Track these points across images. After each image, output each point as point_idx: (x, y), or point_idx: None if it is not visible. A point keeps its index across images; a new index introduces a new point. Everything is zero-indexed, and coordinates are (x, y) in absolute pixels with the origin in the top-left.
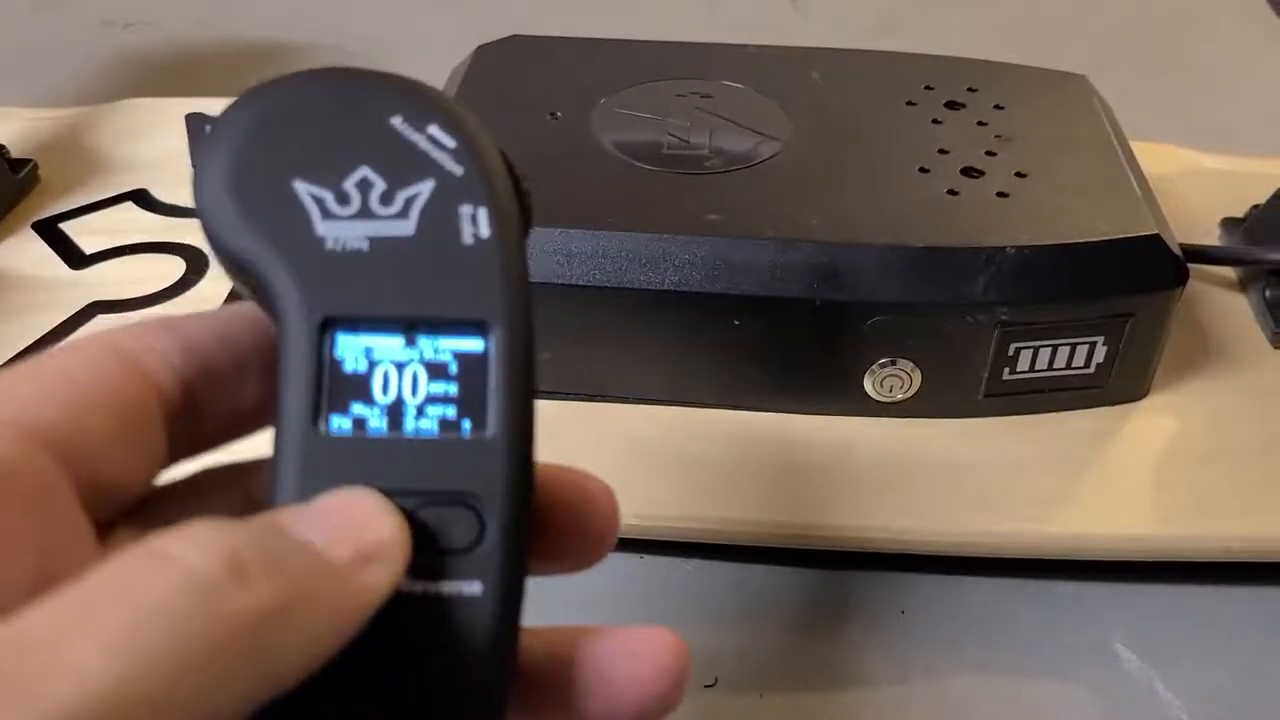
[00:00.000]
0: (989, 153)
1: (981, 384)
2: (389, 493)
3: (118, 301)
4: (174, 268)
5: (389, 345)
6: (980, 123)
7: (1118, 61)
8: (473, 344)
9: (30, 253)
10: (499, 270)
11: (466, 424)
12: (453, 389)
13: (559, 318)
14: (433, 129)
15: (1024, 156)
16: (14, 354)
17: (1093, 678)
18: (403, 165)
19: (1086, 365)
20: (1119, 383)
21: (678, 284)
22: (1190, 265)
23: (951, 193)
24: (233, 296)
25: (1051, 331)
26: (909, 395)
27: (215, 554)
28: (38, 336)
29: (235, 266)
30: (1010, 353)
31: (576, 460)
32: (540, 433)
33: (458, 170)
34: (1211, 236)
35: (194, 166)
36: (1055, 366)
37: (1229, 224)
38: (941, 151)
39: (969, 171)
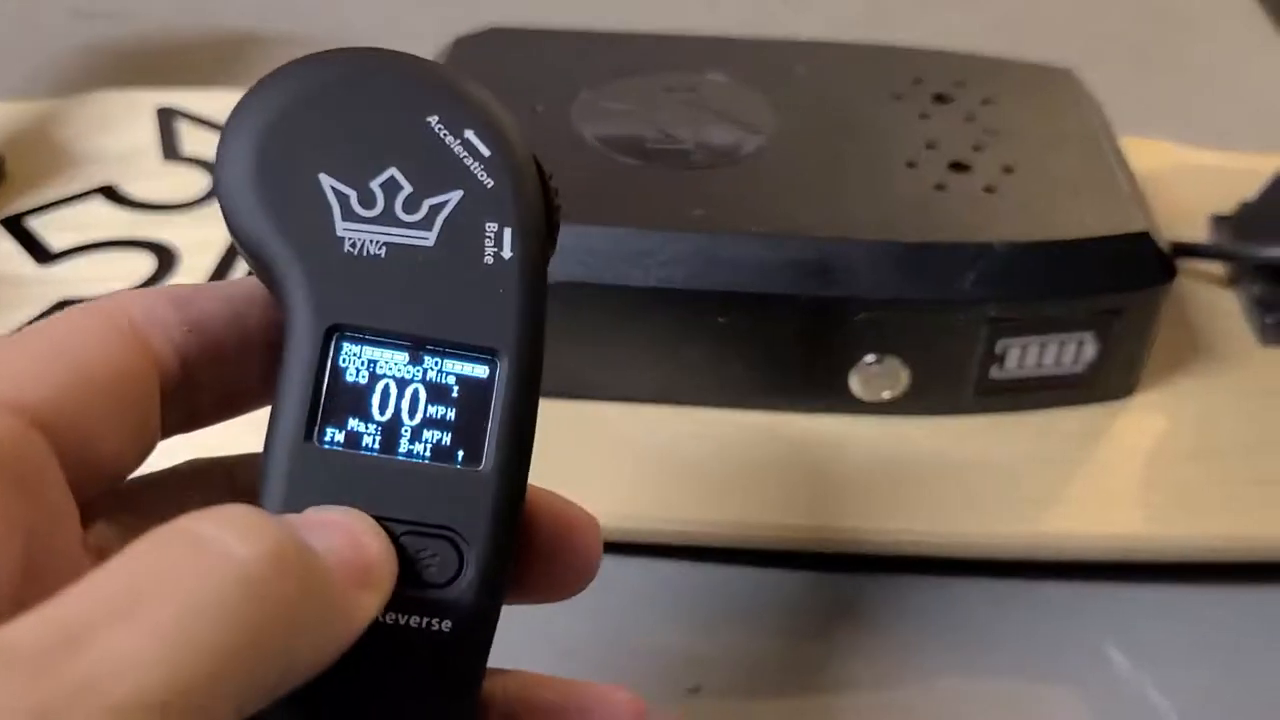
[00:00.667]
0: (976, 147)
1: (970, 381)
2: (375, 517)
3: (87, 299)
4: (144, 264)
5: (393, 361)
6: (968, 117)
7: (1105, 56)
8: (479, 371)
9: None
10: (516, 296)
11: (461, 455)
12: (452, 416)
13: None
14: (469, 134)
15: (1012, 151)
16: None
17: (1084, 679)
18: (433, 170)
19: (1075, 362)
20: (1107, 380)
21: (662, 280)
22: (1178, 261)
23: (939, 187)
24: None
25: (1040, 328)
26: (897, 393)
27: (262, 543)
28: (4, 334)
29: (250, 253)
30: (998, 350)
31: (558, 461)
32: None
33: (489, 182)
34: (1200, 232)
35: (219, 144)
36: (1044, 363)
37: (1217, 220)
38: (929, 146)
39: (957, 166)
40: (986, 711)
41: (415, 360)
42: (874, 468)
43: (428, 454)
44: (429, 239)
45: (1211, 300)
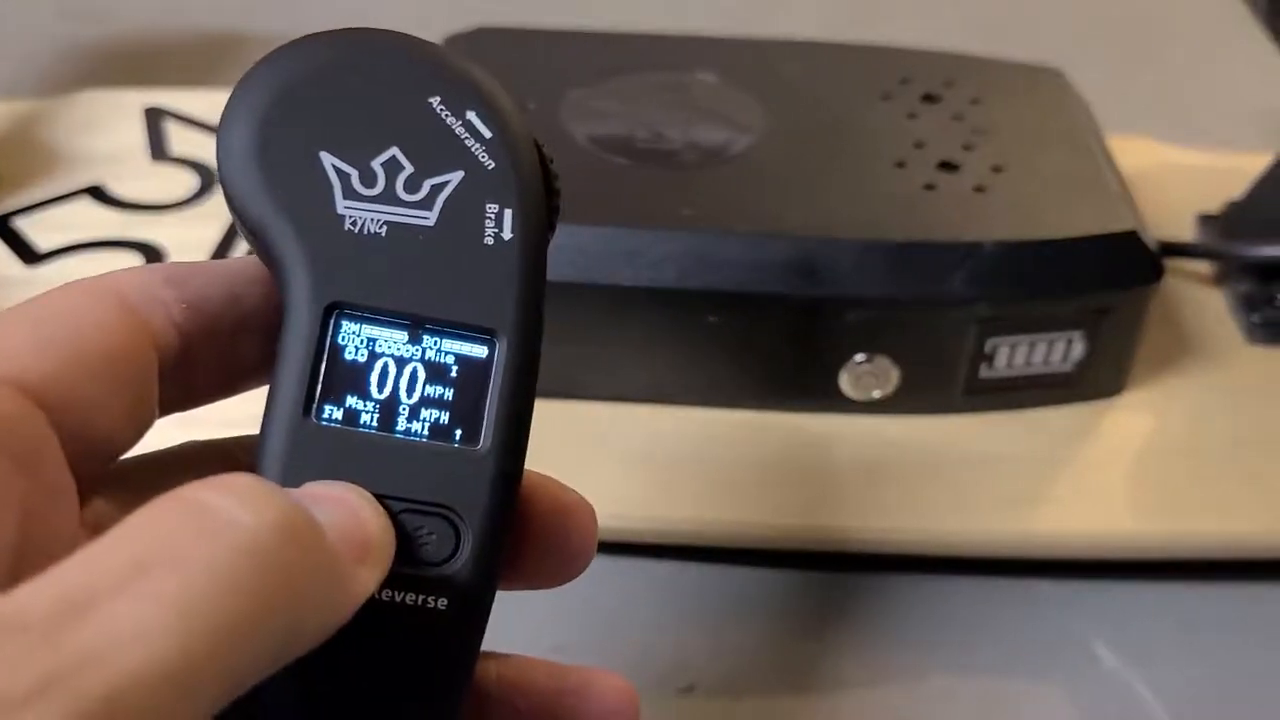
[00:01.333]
0: (965, 147)
1: (960, 380)
2: (373, 494)
3: None
4: (131, 263)
5: (392, 339)
6: (957, 116)
7: (1094, 56)
8: (477, 351)
9: None
10: (515, 278)
11: (459, 433)
12: (450, 395)
13: None
14: (471, 115)
15: (1001, 150)
16: None
17: (1072, 676)
18: (434, 150)
19: (1064, 361)
20: (1096, 378)
21: (651, 280)
22: (1166, 260)
23: (928, 187)
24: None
25: (1028, 327)
26: (887, 392)
27: (268, 512)
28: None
29: (250, 231)
30: (987, 348)
31: (547, 460)
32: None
33: (489, 163)
34: (1187, 231)
35: (221, 121)
36: (1033, 362)
37: (1204, 219)
38: (918, 145)
39: (945, 165)
40: (976, 709)
41: (414, 339)
42: (864, 466)
43: (426, 432)
44: (429, 219)
45: (1199, 299)
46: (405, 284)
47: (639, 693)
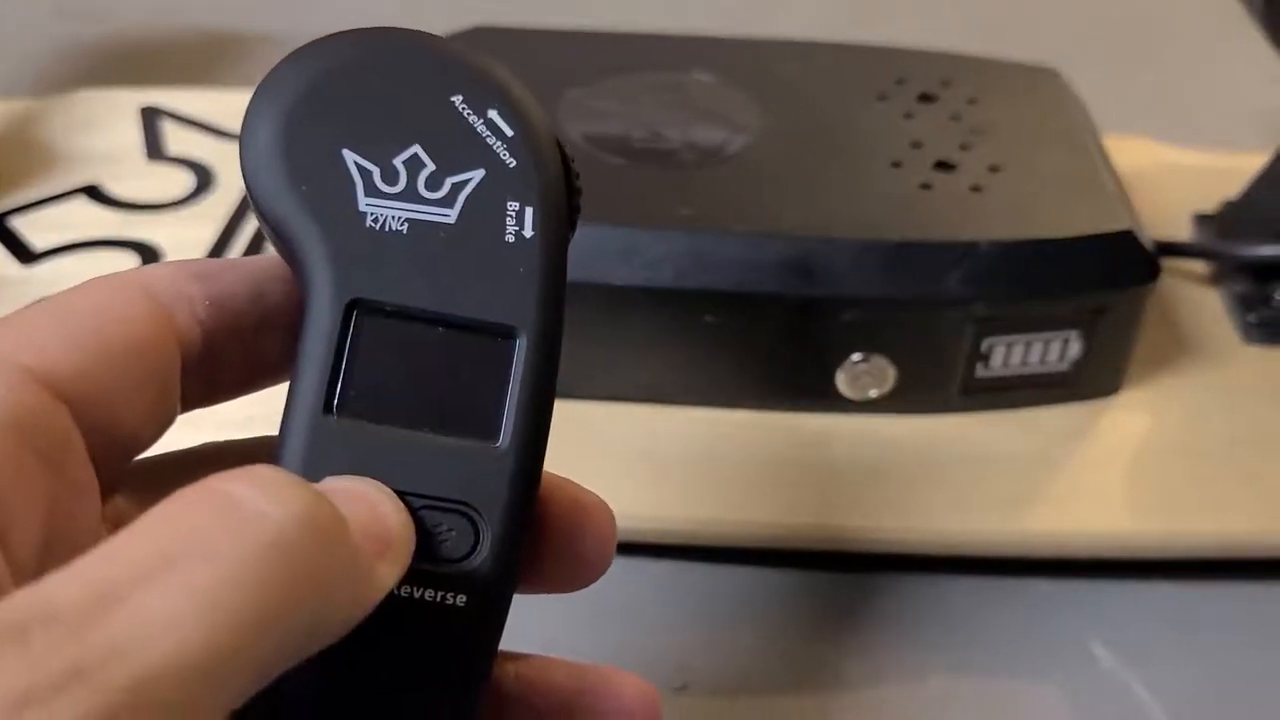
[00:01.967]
0: (962, 146)
1: (956, 380)
2: (393, 490)
3: None
4: (128, 264)
5: (413, 337)
6: (953, 116)
7: (1090, 55)
8: (498, 348)
9: None
10: (537, 275)
11: (479, 430)
12: (471, 392)
13: None
14: (493, 113)
15: (997, 150)
16: None
17: (1069, 676)
18: (456, 148)
19: (1060, 360)
20: (1093, 378)
21: (648, 279)
22: (1162, 260)
23: (925, 187)
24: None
25: (1025, 326)
26: (884, 392)
27: (294, 505)
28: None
29: (272, 228)
30: (984, 348)
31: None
32: None
33: (511, 162)
34: (1183, 231)
35: (244, 120)
36: (1029, 361)
37: (1201, 219)
38: (914, 145)
39: (942, 165)
40: (973, 708)
41: (434, 336)
42: (860, 466)
43: (446, 429)
44: (451, 216)
45: (1195, 298)
46: (426, 281)
47: None
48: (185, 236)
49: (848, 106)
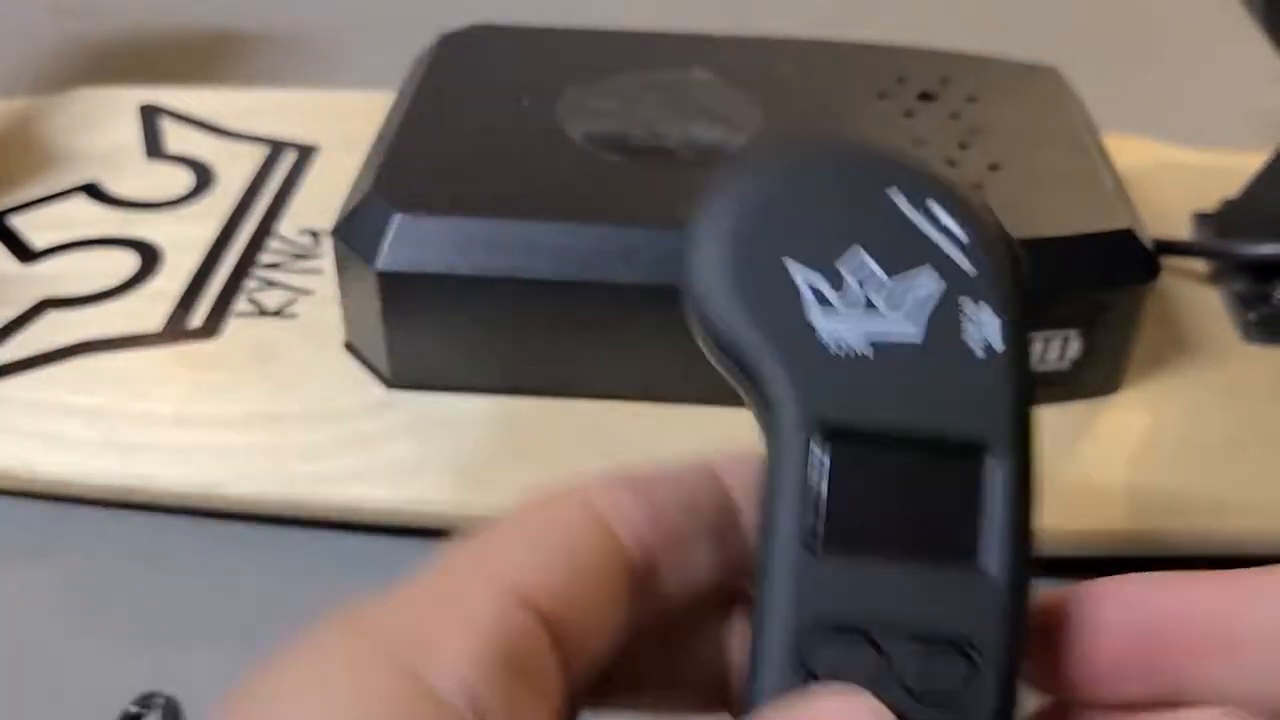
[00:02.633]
0: (962, 145)
1: None
2: (882, 627)
3: (69, 298)
4: (127, 262)
5: (887, 461)
6: (953, 115)
7: (1090, 54)
8: (973, 468)
9: None
10: (1006, 384)
11: (962, 558)
12: (951, 518)
13: (525, 312)
14: (934, 207)
15: (997, 149)
16: None
17: None
18: (904, 254)
19: (1060, 359)
20: (1092, 376)
21: (646, 278)
22: (1162, 259)
23: None
24: (189, 292)
25: None
26: None
27: None
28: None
29: (727, 359)
30: None
31: (543, 459)
32: (506, 431)
33: (971, 270)
34: (1183, 230)
35: (688, 249)
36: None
37: (1200, 217)
38: (914, 144)
39: (942, 164)
40: None
41: (909, 459)
42: None
43: (930, 559)
44: (916, 335)
45: (1195, 297)
46: (898, 405)
47: None
48: (184, 235)
49: (847, 105)
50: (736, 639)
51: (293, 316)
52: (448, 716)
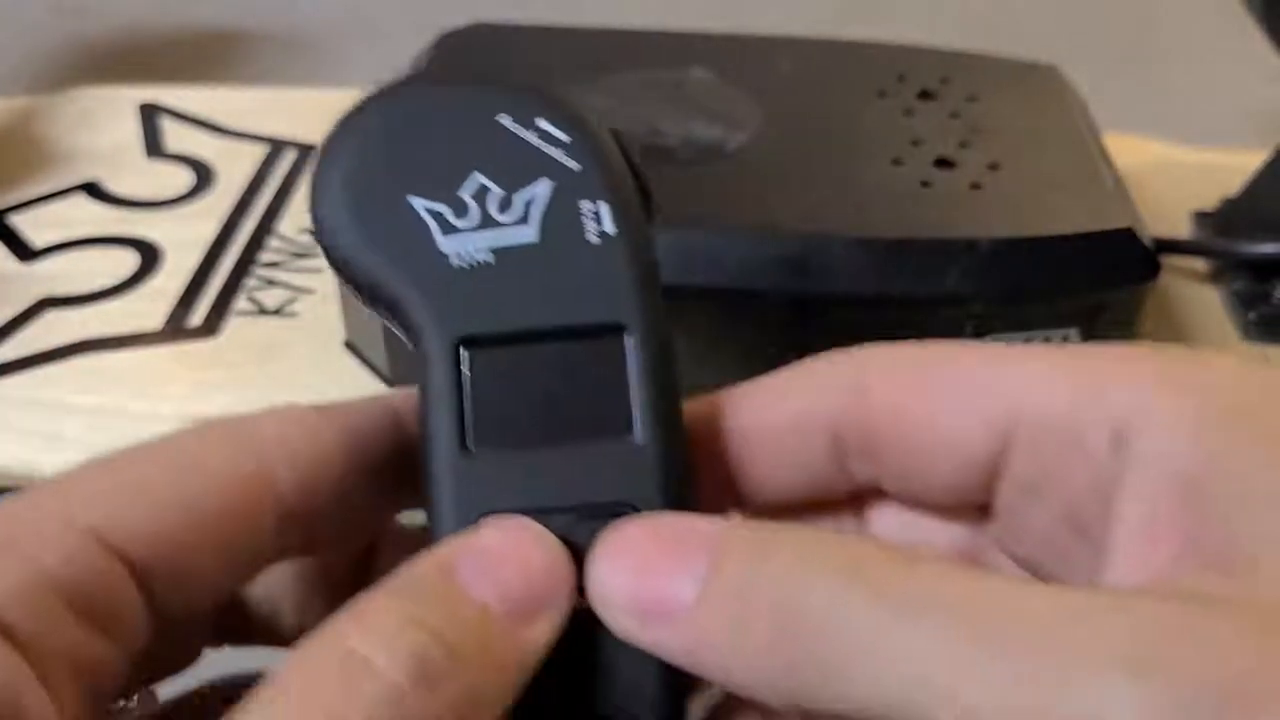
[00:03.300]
0: (962, 144)
1: None
2: (546, 510)
3: (69, 297)
4: (126, 261)
5: (528, 358)
6: (953, 114)
7: (1091, 53)
8: (611, 349)
9: None
10: (627, 266)
11: (616, 431)
12: (597, 397)
13: None
14: (542, 123)
15: (997, 148)
16: None
17: None
18: (517, 166)
19: None
20: None
21: None
22: (1162, 257)
23: (924, 184)
24: (189, 291)
25: (1024, 324)
26: None
27: (403, 660)
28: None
29: (368, 293)
30: None
31: None
32: None
33: (575, 165)
34: (1183, 229)
35: (312, 198)
36: None
37: (1200, 216)
38: (914, 142)
39: (941, 163)
40: None
41: (547, 352)
42: None
43: (583, 437)
44: (532, 235)
45: (1194, 296)
46: (526, 302)
47: None
48: (183, 234)
49: (847, 103)
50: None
51: (293, 315)
52: None
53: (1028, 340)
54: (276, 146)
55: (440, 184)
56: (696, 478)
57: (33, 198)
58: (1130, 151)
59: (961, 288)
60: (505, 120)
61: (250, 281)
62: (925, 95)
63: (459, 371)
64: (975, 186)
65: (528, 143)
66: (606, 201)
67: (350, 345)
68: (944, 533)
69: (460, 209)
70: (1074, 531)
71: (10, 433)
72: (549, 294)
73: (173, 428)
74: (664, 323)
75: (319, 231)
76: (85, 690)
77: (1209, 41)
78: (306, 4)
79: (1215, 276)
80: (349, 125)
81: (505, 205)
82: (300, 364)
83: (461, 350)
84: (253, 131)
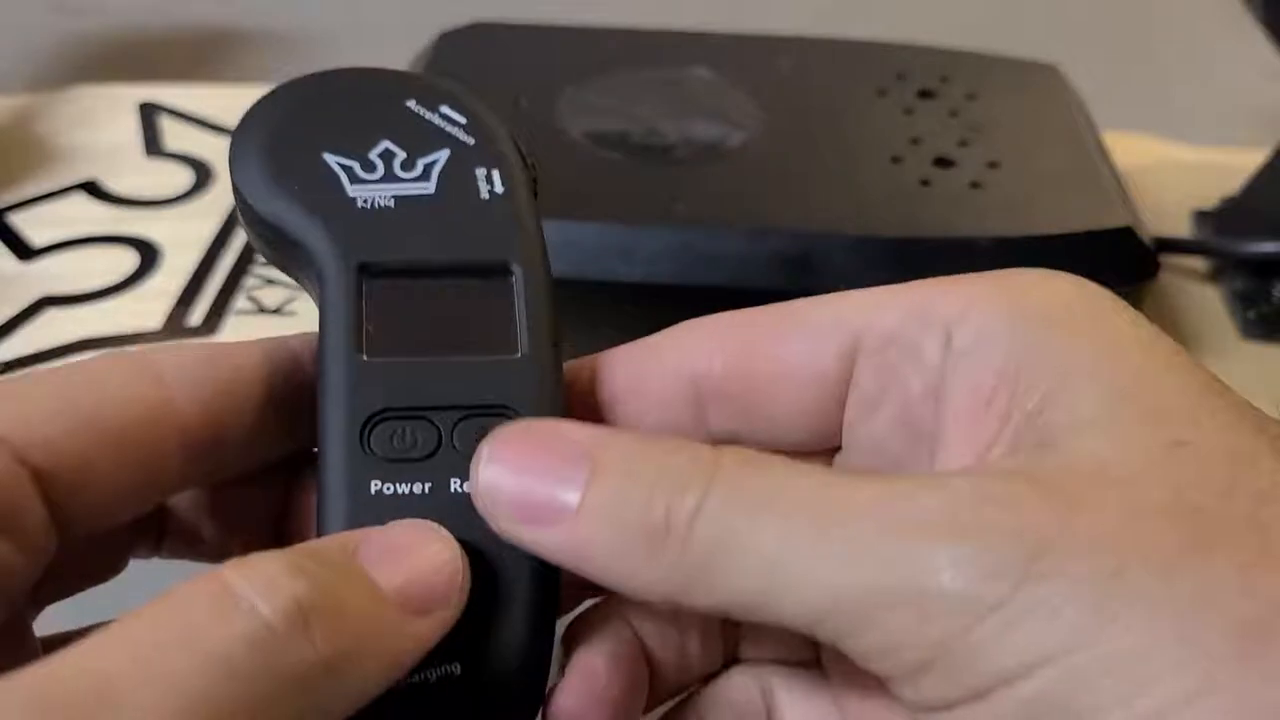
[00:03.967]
0: (961, 143)
1: None
2: (432, 409)
3: (69, 296)
4: (126, 260)
5: (423, 286)
6: (953, 112)
7: (1090, 52)
8: (499, 282)
9: None
10: (514, 218)
11: (501, 348)
12: (485, 321)
13: None
14: (444, 108)
15: (996, 147)
16: None
17: None
18: (420, 138)
19: None
20: None
21: (645, 275)
22: (1162, 256)
23: (924, 183)
24: (189, 290)
25: None
26: None
27: (280, 602)
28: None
29: (273, 232)
30: None
31: None
32: None
33: (470, 140)
34: (1183, 228)
35: (231, 148)
36: None
37: (1200, 215)
38: (913, 141)
39: (941, 161)
40: None
41: (442, 282)
42: None
43: (471, 351)
44: (430, 188)
45: (1194, 295)
46: (423, 240)
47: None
48: (183, 232)
49: (847, 102)
50: (304, 502)
51: (292, 314)
52: None
53: None
54: None
55: (352, 144)
56: (564, 383)
57: (32, 196)
58: (1130, 150)
59: None
60: (412, 104)
61: (250, 280)
62: (925, 94)
63: (358, 291)
64: (975, 185)
65: (430, 122)
66: (497, 168)
67: None
68: None
69: (368, 165)
70: (911, 434)
71: None
72: (445, 236)
73: None
74: (547, 267)
75: (237, 186)
76: None
77: (1209, 41)
78: (306, 4)
79: (1215, 275)
80: (270, 99)
81: (408, 166)
82: None
83: (361, 274)
84: None
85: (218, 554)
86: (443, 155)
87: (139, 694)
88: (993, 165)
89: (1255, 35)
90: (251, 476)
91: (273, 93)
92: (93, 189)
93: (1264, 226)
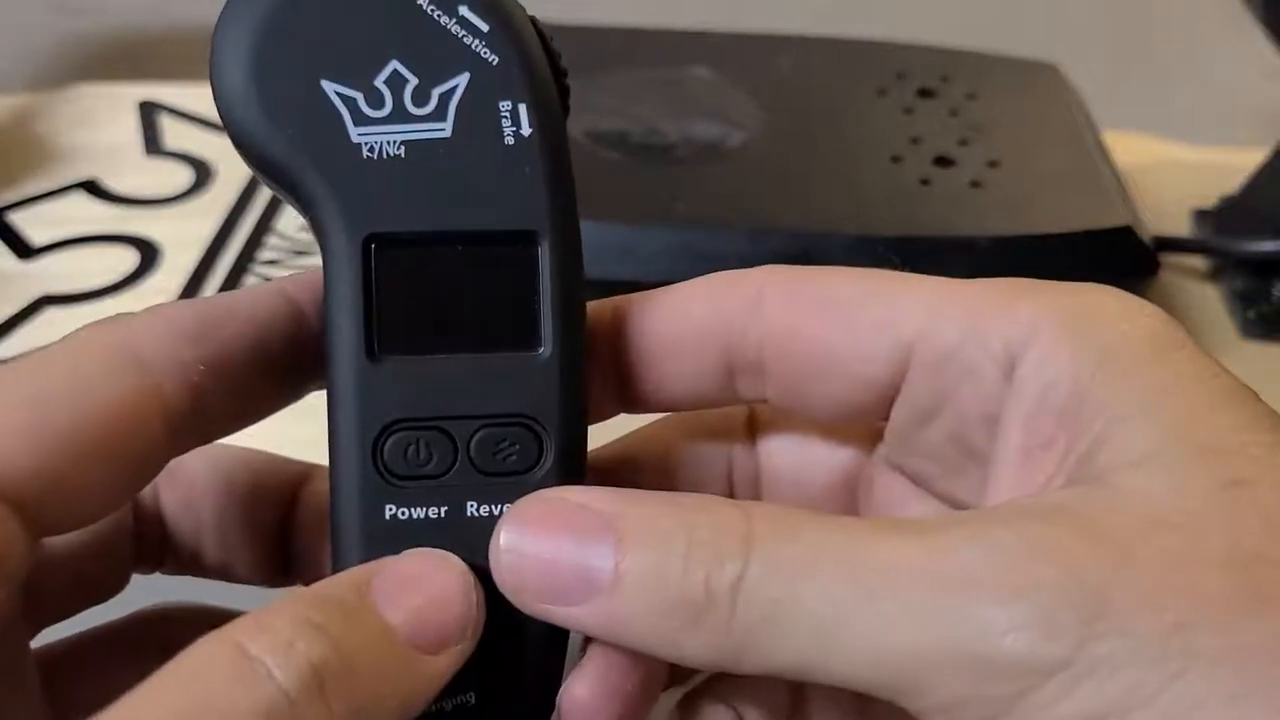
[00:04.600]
0: (961, 142)
1: None
2: (448, 419)
3: (68, 295)
4: (126, 259)
5: (437, 262)
6: (952, 112)
7: (1090, 51)
8: (521, 257)
9: None
10: (542, 172)
11: (521, 343)
12: (505, 306)
13: None
14: (464, 9)
15: (996, 146)
16: None
17: None
18: (435, 55)
19: None
20: None
21: (645, 275)
22: (1161, 255)
23: (924, 182)
24: (189, 289)
25: None
26: None
27: (295, 669)
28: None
29: (269, 176)
30: None
31: None
32: None
33: (493, 58)
34: (1182, 227)
35: (211, 56)
36: None
37: (1199, 214)
38: (913, 141)
39: (941, 161)
40: None
41: (457, 256)
42: None
43: (488, 347)
44: (445, 129)
45: (1194, 294)
46: (438, 203)
47: None
48: (184, 231)
49: (847, 101)
50: (306, 515)
51: None
52: None
53: None
54: None
55: (356, 69)
56: (589, 383)
57: (32, 195)
58: (1130, 149)
59: None
60: (428, 6)
61: (250, 279)
62: (925, 93)
63: (368, 272)
64: (975, 184)
65: (448, 30)
66: (524, 100)
67: None
68: (833, 452)
69: (374, 98)
70: (963, 450)
71: None
72: (462, 195)
73: None
74: (576, 232)
75: (218, 96)
76: None
77: (1209, 40)
78: None
79: (1215, 274)
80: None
81: (420, 98)
82: None
83: (371, 249)
84: None
85: (220, 571)
86: (461, 81)
87: None
88: (993, 164)
89: (1255, 35)
90: (254, 495)
91: None
92: (93, 188)
93: (1264, 226)
